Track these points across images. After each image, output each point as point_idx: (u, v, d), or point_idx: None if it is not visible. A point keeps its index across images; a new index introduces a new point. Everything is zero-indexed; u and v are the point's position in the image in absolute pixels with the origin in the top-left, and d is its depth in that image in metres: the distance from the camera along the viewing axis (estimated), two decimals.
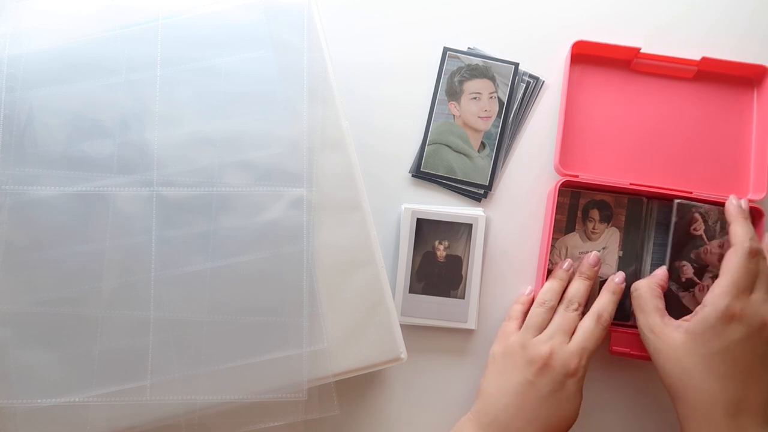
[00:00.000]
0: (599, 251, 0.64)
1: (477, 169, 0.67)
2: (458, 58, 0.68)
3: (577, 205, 0.65)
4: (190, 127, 0.55)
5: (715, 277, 0.54)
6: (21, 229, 0.53)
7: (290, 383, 0.53)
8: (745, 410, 0.50)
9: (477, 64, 0.68)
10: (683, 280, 0.58)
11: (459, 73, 0.68)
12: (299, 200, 0.55)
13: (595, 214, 0.65)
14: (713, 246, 0.57)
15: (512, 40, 0.69)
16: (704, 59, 0.65)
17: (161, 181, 0.54)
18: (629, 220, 0.65)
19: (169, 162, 0.54)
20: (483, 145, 0.67)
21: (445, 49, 0.68)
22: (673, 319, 0.55)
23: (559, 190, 0.63)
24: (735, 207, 0.57)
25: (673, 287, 0.58)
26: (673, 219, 0.58)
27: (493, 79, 0.68)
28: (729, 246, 0.55)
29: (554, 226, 0.63)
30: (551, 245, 0.64)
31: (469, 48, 0.69)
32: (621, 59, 0.67)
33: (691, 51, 0.66)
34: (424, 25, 0.69)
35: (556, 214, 0.63)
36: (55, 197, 0.53)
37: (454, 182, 0.67)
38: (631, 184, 0.64)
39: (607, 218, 0.65)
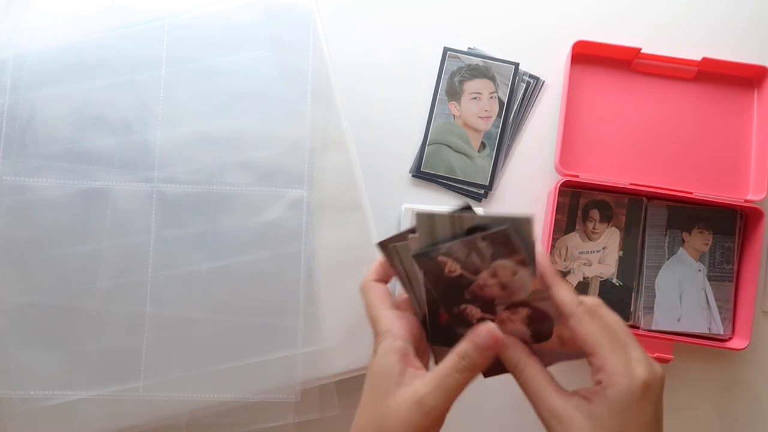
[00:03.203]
0: (599, 251, 0.64)
1: (477, 169, 0.67)
2: (458, 58, 0.68)
3: (577, 205, 0.65)
4: (192, 126, 0.55)
5: (513, 306, 0.41)
6: (21, 227, 0.53)
7: (287, 384, 0.53)
8: None
9: (477, 64, 0.68)
10: (474, 321, 0.42)
11: (459, 73, 0.68)
12: (299, 201, 0.55)
13: (595, 214, 0.65)
14: (485, 278, 0.41)
15: (512, 40, 0.69)
16: (704, 59, 0.65)
17: (162, 179, 0.54)
18: (629, 220, 0.65)
19: (171, 161, 0.54)
20: (483, 145, 0.67)
21: (445, 49, 0.68)
22: (571, 396, 0.41)
23: (560, 190, 0.63)
24: (547, 267, 0.42)
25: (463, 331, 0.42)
26: (420, 275, 0.41)
27: (493, 79, 0.68)
28: (516, 284, 0.41)
29: (554, 226, 0.63)
30: (551, 245, 0.64)
31: (469, 48, 0.69)
32: (621, 59, 0.67)
33: (692, 51, 0.66)
34: (424, 25, 0.69)
35: (556, 214, 0.63)
36: (56, 195, 0.53)
37: (455, 182, 0.67)
38: (631, 184, 0.64)
39: (607, 218, 0.65)
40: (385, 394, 0.41)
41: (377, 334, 0.43)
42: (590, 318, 0.41)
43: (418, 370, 0.41)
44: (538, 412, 0.42)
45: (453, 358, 0.41)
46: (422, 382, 0.40)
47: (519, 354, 0.42)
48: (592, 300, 0.42)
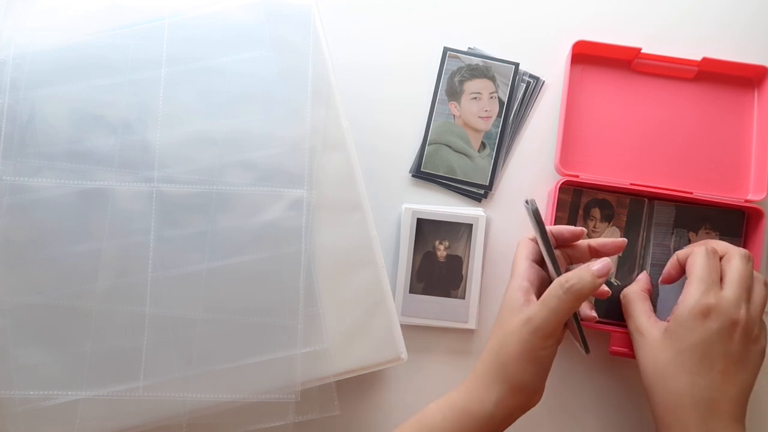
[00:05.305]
0: None
1: (477, 169, 0.67)
2: (458, 58, 0.68)
3: (579, 203, 0.65)
4: (192, 126, 0.55)
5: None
6: (21, 227, 0.53)
7: (287, 384, 0.53)
8: (715, 411, 0.49)
9: (477, 64, 0.68)
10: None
11: (459, 73, 0.68)
12: (299, 201, 0.55)
13: (596, 212, 0.65)
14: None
15: (512, 40, 0.69)
16: (705, 59, 0.65)
17: (162, 179, 0.54)
18: (630, 220, 0.65)
19: (171, 161, 0.54)
20: (483, 145, 0.67)
21: (446, 49, 0.68)
22: (658, 320, 0.55)
23: (560, 189, 0.63)
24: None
25: None
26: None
27: (493, 79, 0.68)
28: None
29: (555, 224, 0.63)
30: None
31: (469, 48, 0.69)
32: (621, 59, 0.67)
33: (692, 51, 0.66)
34: (424, 25, 0.69)
35: (557, 210, 0.63)
36: (56, 195, 0.53)
37: (455, 182, 0.67)
38: (631, 184, 0.63)
39: (608, 217, 0.65)
40: (508, 319, 0.52)
41: (512, 276, 0.55)
42: (705, 253, 0.54)
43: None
44: (629, 329, 0.57)
45: (555, 284, 0.51)
46: (533, 306, 0.51)
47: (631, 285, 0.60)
48: (721, 247, 0.56)
